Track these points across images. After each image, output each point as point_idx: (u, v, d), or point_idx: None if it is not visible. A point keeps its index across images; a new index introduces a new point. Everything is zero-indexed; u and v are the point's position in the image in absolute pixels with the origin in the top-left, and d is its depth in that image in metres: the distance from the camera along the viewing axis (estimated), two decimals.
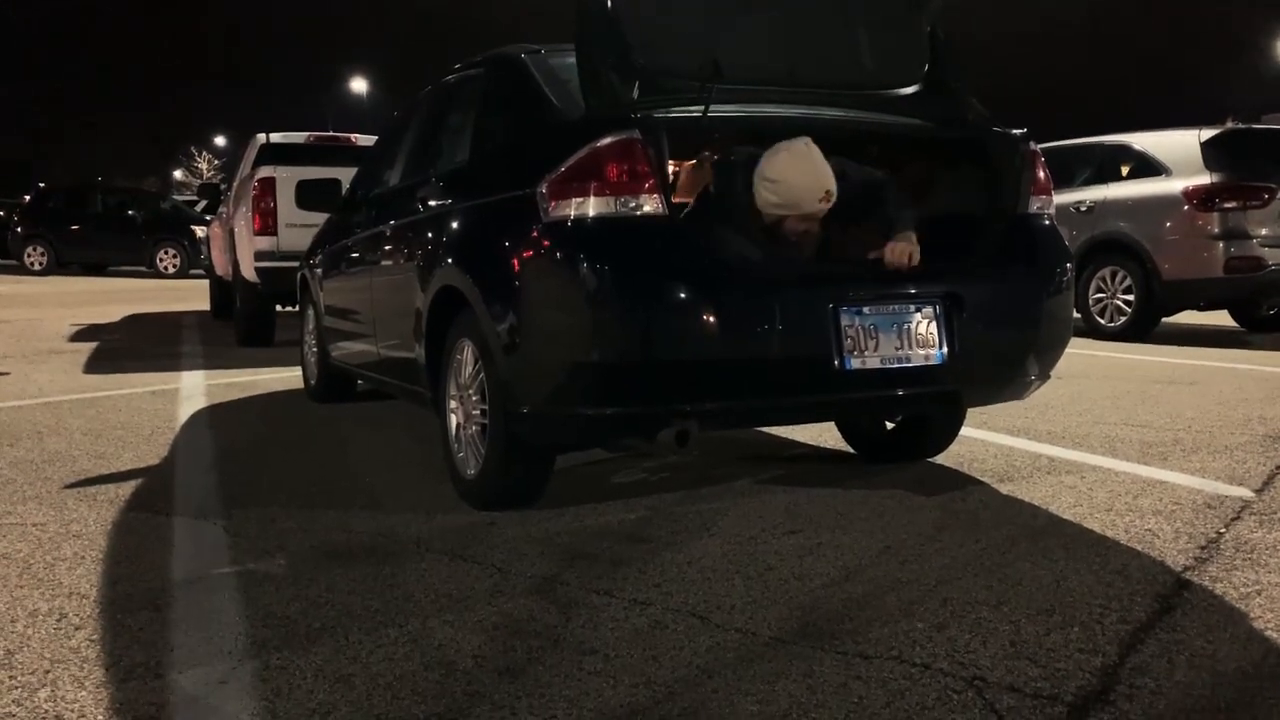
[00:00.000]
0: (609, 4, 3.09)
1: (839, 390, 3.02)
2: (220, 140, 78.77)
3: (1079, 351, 7.18)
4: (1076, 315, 8.67)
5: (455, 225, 3.54)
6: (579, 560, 2.80)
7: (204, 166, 73.13)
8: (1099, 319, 8.74)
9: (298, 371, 6.18)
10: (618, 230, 2.89)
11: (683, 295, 2.85)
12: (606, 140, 2.89)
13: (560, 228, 2.92)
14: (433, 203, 3.84)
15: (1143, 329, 8.48)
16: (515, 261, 3.08)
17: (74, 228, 21.72)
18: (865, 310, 2.99)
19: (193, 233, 21.04)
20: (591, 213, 2.89)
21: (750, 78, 3.29)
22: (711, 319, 2.85)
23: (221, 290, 10.80)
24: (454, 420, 3.51)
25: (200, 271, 18.44)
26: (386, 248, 4.30)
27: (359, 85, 54.44)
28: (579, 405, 2.98)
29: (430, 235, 3.71)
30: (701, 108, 3.14)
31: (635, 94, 3.15)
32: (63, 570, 2.78)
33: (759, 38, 3.30)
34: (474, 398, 3.34)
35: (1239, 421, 4.69)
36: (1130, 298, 8.53)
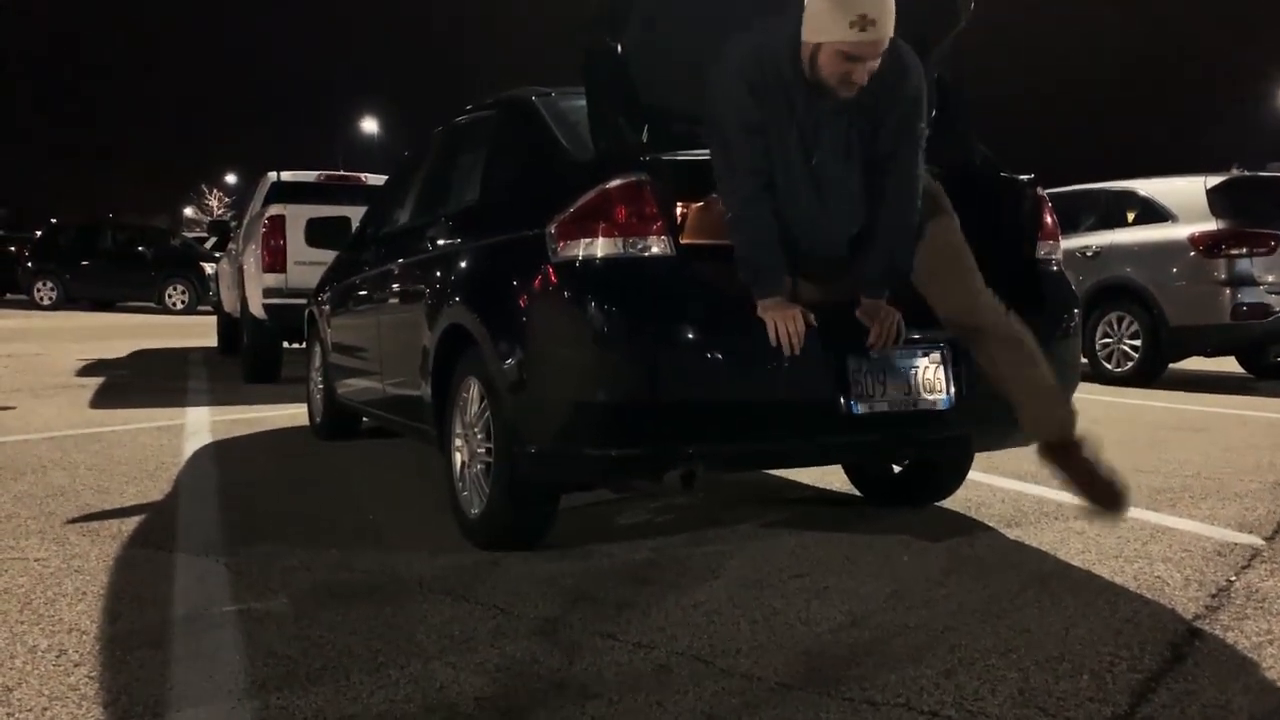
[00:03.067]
0: (618, 48, 3.12)
1: (845, 434, 3.01)
2: (231, 178, 79.42)
3: (1086, 396, 7.15)
4: (1083, 360, 8.68)
5: (464, 264, 3.55)
6: (583, 602, 2.78)
7: (214, 204, 73.71)
8: (1105, 364, 8.72)
9: (303, 408, 6.18)
10: (625, 271, 2.90)
11: (689, 337, 2.85)
12: (615, 182, 2.91)
13: (568, 267, 2.93)
14: (442, 241, 3.86)
15: (1149, 374, 8.45)
16: (523, 300, 3.09)
17: (84, 263, 21.87)
18: (872, 354, 2.99)
19: (201, 269, 21.17)
20: (600, 253, 2.90)
21: None
22: (718, 361, 2.85)
23: (229, 327, 10.84)
24: (459, 459, 3.50)
25: (208, 308, 18.52)
26: (394, 285, 4.32)
27: (370, 125, 54.95)
28: (585, 445, 2.97)
29: (439, 274, 3.72)
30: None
31: (644, 137, 3.19)
32: (64, 606, 2.76)
33: None
34: (479, 436, 3.34)
35: (1248, 468, 4.66)
36: (1137, 343, 8.51)
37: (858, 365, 2.97)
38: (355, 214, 7.71)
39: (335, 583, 2.97)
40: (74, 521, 3.70)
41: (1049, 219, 3.49)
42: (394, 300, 4.31)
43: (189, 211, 75.42)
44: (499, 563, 3.15)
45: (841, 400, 2.93)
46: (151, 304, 21.91)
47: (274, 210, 8.21)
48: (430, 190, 4.40)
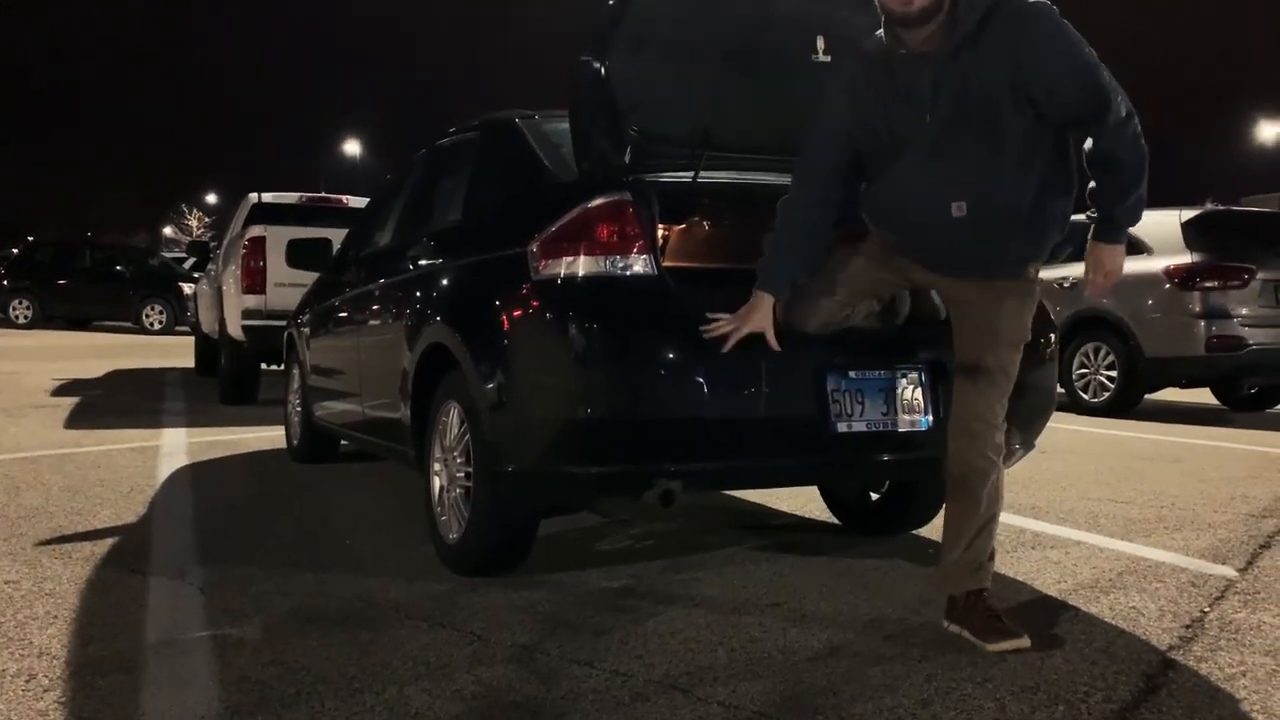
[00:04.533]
0: (602, 71, 3.14)
1: (824, 454, 3.02)
2: (211, 198, 79.20)
3: (1063, 426, 7.21)
4: (1060, 390, 8.74)
5: (445, 283, 3.56)
6: (560, 629, 2.76)
7: (194, 224, 73.41)
8: (1082, 394, 8.78)
9: (281, 431, 6.14)
10: (607, 290, 2.91)
11: (670, 356, 2.86)
12: (598, 201, 2.93)
13: (550, 286, 2.94)
14: (423, 262, 3.87)
15: (1125, 405, 8.52)
16: (505, 318, 3.09)
17: (60, 282, 21.71)
18: (851, 374, 3.00)
19: (179, 289, 21.03)
20: (581, 272, 2.91)
21: (741, 145, 3.34)
22: (698, 380, 2.85)
23: (207, 348, 10.77)
24: (437, 483, 3.49)
25: (186, 328, 18.40)
26: (375, 306, 4.31)
27: (352, 147, 54.93)
28: (565, 463, 2.97)
29: (419, 293, 3.72)
30: (692, 173, 3.20)
31: (627, 159, 3.20)
32: (34, 629, 2.73)
33: (750, 105, 3.34)
34: (458, 460, 3.33)
35: (1222, 499, 4.69)
36: (1113, 373, 8.58)
37: (837, 385, 2.98)
38: (336, 236, 7.74)
39: (310, 608, 2.95)
40: (46, 543, 3.66)
41: None
42: (374, 321, 4.30)
43: (168, 231, 75.03)
44: (476, 589, 3.14)
45: (821, 420, 2.94)
46: (128, 324, 21.73)
47: (254, 232, 8.19)
48: (412, 211, 4.40)
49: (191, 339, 12.78)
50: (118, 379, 10.80)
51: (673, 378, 2.84)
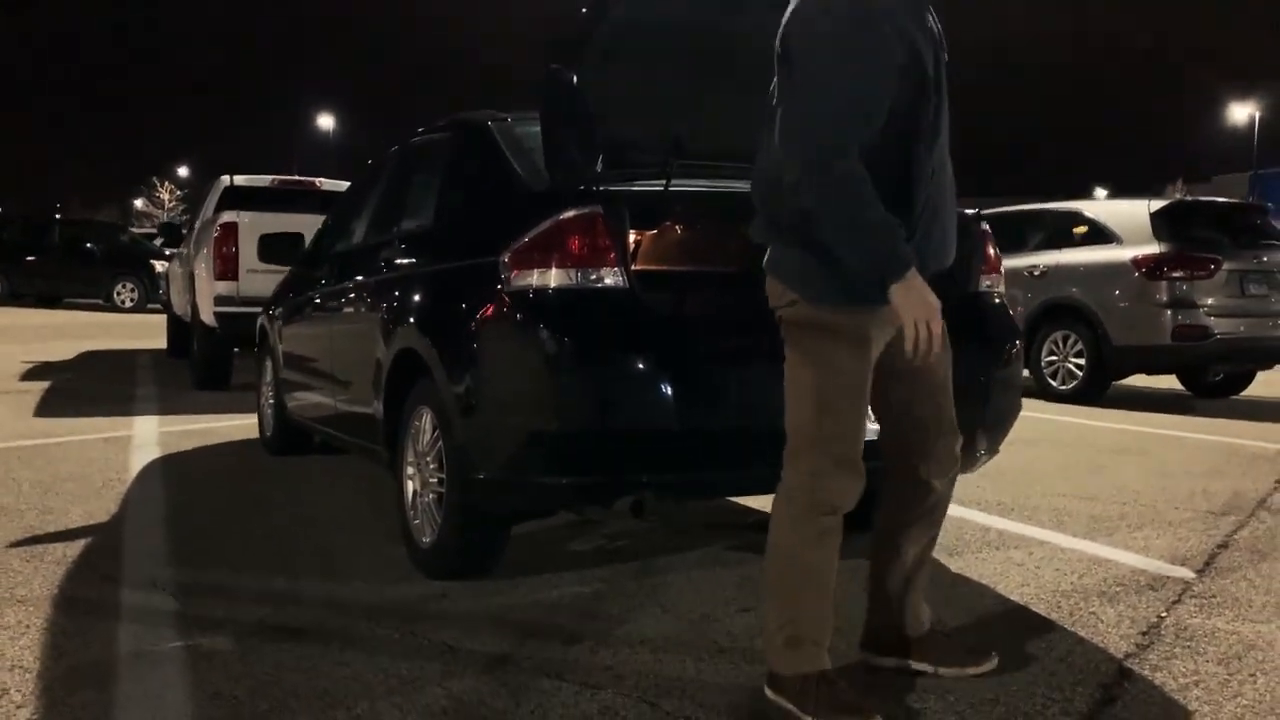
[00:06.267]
0: (574, 79, 3.15)
1: None
2: (183, 170, 78.34)
3: (1032, 414, 7.27)
4: (1029, 376, 8.85)
5: (417, 289, 3.56)
6: (530, 639, 2.80)
7: (166, 196, 72.60)
8: (1051, 381, 8.89)
9: (254, 419, 6.13)
10: (578, 301, 2.93)
11: (641, 367, 2.89)
12: (570, 213, 2.94)
13: (521, 297, 2.96)
14: (396, 263, 3.87)
15: (1093, 392, 8.63)
16: (476, 328, 3.11)
17: (30, 258, 21.43)
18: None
19: (151, 267, 20.79)
20: (553, 284, 2.93)
21: (712, 153, 3.37)
22: (669, 391, 2.87)
23: (179, 329, 10.71)
24: (410, 487, 3.51)
25: (158, 305, 18.23)
26: (348, 308, 4.31)
27: (326, 120, 54.34)
28: (536, 473, 3.00)
29: (391, 296, 3.72)
30: (663, 181, 3.22)
31: (598, 167, 3.22)
32: (5, 640, 2.74)
33: (721, 113, 3.36)
34: (431, 466, 3.35)
35: (1183, 495, 4.79)
36: (1081, 361, 8.69)
37: None
38: (310, 222, 7.72)
39: (282, 617, 2.97)
40: (17, 545, 3.65)
41: (991, 251, 3.57)
42: (347, 323, 4.30)
43: (139, 204, 74.18)
44: (448, 594, 3.17)
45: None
46: (99, 301, 21.51)
47: (227, 218, 8.13)
48: (385, 210, 4.40)
49: (163, 318, 12.67)
50: (89, 362, 10.72)
51: (643, 389, 2.87)
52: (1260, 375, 9.51)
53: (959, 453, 2.55)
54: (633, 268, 3.00)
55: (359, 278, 4.25)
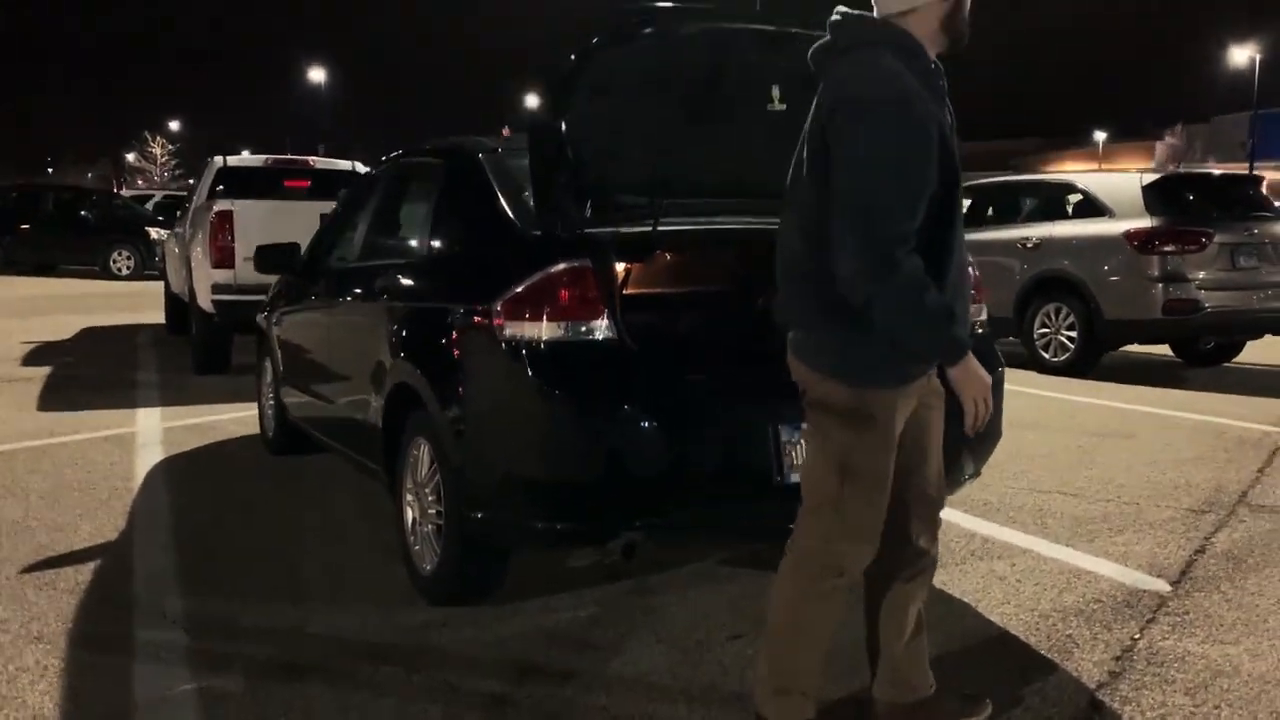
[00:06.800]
0: (561, 126, 3.19)
1: (779, 504, 3.14)
2: (175, 124, 77.71)
3: (1023, 389, 7.38)
4: (1021, 348, 8.94)
5: (412, 325, 3.63)
6: (529, 676, 2.92)
7: (158, 151, 72.08)
8: (1043, 354, 8.98)
9: (253, 410, 6.21)
10: (569, 353, 3.02)
11: (631, 417, 2.98)
12: (559, 266, 3.02)
13: (513, 347, 3.04)
14: (392, 291, 3.94)
15: (1085, 364, 8.73)
16: (469, 374, 3.24)
17: (24, 226, 21.34)
18: (804, 425, 3.12)
19: (147, 234, 20.72)
20: (544, 335, 3.01)
21: (700, 190, 3.42)
22: (659, 441, 2.97)
23: (176, 306, 10.76)
24: (410, 514, 3.61)
25: (155, 273, 18.19)
26: (345, 335, 4.37)
27: (317, 75, 53.77)
28: (529, 518, 3.11)
29: (390, 330, 3.78)
30: (652, 222, 3.28)
31: (588, 211, 3.27)
32: (25, 684, 2.86)
33: (709, 151, 3.41)
34: (430, 497, 3.45)
35: (1167, 489, 4.90)
36: (1074, 334, 8.78)
37: (789, 436, 3.11)
38: (303, 209, 7.77)
39: (291, 653, 3.09)
40: (31, 570, 3.77)
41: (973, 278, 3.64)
42: (344, 350, 4.33)
43: (131, 158, 73.65)
44: (449, 623, 3.29)
45: (775, 473, 3.07)
46: (95, 269, 21.43)
47: (222, 206, 8.16)
48: (378, 231, 4.46)
49: (160, 286, 12.67)
50: (89, 341, 10.79)
51: (634, 438, 2.97)
52: (1251, 342, 9.60)
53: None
54: (621, 316, 3.06)
55: (356, 303, 4.31)
